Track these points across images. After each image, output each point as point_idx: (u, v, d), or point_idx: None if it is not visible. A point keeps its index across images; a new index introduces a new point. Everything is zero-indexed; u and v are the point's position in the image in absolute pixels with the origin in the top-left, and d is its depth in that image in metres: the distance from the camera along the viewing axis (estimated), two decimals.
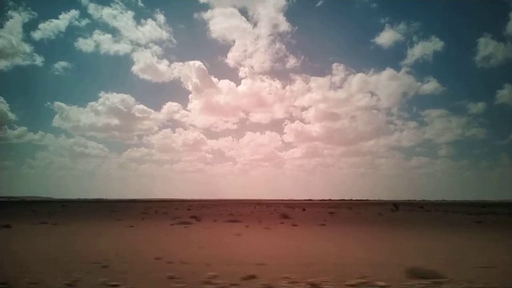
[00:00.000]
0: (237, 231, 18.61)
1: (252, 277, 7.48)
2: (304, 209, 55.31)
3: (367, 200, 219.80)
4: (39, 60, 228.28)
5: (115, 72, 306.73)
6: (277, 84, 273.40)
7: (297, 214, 39.94)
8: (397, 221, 30.20)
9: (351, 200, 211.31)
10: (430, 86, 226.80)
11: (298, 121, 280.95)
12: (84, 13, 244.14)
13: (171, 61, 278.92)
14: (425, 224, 26.94)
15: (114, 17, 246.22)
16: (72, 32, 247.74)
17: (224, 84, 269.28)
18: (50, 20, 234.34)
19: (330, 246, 13.63)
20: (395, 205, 64.91)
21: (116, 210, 49.63)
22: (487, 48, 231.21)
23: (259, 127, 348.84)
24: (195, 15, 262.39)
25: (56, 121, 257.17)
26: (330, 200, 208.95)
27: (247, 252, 11.64)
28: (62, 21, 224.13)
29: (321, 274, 7.71)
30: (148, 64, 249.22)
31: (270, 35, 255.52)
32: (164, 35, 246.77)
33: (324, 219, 30.34)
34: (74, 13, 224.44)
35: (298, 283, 7.03)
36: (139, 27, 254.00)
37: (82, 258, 9.78)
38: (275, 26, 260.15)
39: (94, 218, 31.62)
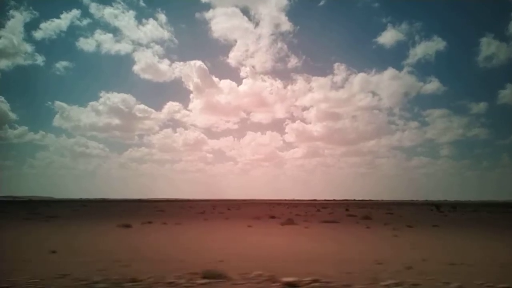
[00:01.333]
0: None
1: None
2: (347, 209, 54.98)
3: (382, 200, 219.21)
4: (40, 60, 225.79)
5: (116, 71, 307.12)
6: (278, 83, 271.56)
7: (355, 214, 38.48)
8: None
9: (364, 200, 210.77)
10: (432, 86, 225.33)
11: (299, 121, 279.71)
12: (85, 13, 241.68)
13: (172, 61, 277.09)
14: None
15: (116, 16, 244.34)
16: (73, 31, 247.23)
17: (225, 84, 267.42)
18: (52, 19, 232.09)
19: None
20: (437, 206, 62.79)
21: (164, 210, 48.52)
22: (489, 48, 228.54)
23: (260, 127, 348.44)
24: (197, 15, 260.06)
25: (57, 121, 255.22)
26: (345, 200, 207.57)
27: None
28: (64, 21, 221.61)
29: None
30: (149, 63, 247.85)
31: (272, 34, 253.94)
32: (166, 34, 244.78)
33: (412, 220, 28.60)
34: (75, 12, 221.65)
35: None
36: (140, 26, 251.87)
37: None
38: (277, 25, 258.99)
39: (183, 218, 30.69)
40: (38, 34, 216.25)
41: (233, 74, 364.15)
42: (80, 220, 28.24)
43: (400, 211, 52.01)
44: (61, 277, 7.03)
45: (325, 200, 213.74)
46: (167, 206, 73.01)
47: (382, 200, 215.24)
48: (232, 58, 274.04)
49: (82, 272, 7.42)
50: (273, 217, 31.80)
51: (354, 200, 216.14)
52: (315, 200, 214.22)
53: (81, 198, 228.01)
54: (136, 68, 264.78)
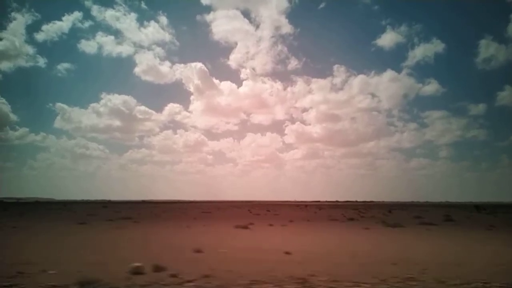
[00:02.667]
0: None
1: None
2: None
3: (382, 201, 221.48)
4: (42, 62, 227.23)
5: (117, 73, 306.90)
6: (278, 85, 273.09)
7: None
8: None
9: (366, 201, 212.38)
10: (431, 87, 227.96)
11: (298, 122, 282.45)
12: (87, 15, 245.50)
13: (173, 63, 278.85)
14: None
15: (117, 19, 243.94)
16: (75, 33, 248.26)
17: (226, 85, 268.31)
18: (53, 21, 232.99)
19: None
20: (477, 207, 62.61)
21: (210, 212, 49.04)
22: (488, 50, 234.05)
23: (260, 129, 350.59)
24: (198, 17, 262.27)
25: (58, 123, 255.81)
26: (356, 201, 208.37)
27: None
28: (65, 23, 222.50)
29: None
30: (150, 65, 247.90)
31: (272, 37, 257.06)
32: (167, 37, 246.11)
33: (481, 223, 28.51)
34: (77, 15, 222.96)
35: None
36: (141, 29, 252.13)
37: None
38: (277, 28, 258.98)
39: (261, 220, 31.32)
40: (39, 36, 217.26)
41: (234, 76, 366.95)
42: (166, 222, 29.00)
43: (436, 213, 50.64)
44: None
45: (328, 201, 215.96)
46: (192, 207, 73.94)
47: (383, 202, 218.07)
48: (233, 60, 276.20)
49: None
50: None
51: (356, 201, 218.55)
52: (318, 201, 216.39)
53: (82, 200, 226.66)
54: (137, 70, 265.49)
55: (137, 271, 8.33)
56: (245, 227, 22.02)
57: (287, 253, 11.29)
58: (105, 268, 8.72)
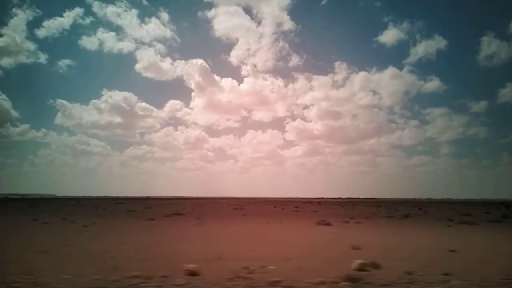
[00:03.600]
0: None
1: None
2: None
3: (385, 198, 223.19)
4: (43, 58, 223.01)
5: (118, 70, 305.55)
6: (279, 82, 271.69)
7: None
8: None
9: (367, 198, 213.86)
10: (433, 84, 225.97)
11: (299, 119, 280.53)
12: (88, 11, 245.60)
13: (174, 59, 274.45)
14: None
15: (118, 15, 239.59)
16: (76, 30, 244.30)
17: (227, 82, 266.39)
18: (54, 18, 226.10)
19: None
20: (506, 205, 63.11)
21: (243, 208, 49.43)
22: (490, 47, 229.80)
23: (261, 125, 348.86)
24: (199, 14, 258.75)
25: (59, 119, 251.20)
26: (369, 198, 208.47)
27: None
28: (67, 19, 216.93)
29: None
30: (151, 62, 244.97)
31: (274, 33, 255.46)
32: (168, 33, 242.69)
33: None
34: (78, 11, 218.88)
35: None
36: (143, 25, 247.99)
37: None
38: (279, 24, 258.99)
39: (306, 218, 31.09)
40: (40, 33, 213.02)
41: (235, 73, 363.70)
42: (231, 219, 29.39)
43: (464, 211, 51.48)
44: None
45: (331, 197, 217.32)
46: (210, 203, 74.27)
47: (386, 199, 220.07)
48: (234, 56, 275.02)
49: None
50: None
51: (358, 198, 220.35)
52: (321, 198, 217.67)
53: (84, 196, 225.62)
54: (138, 66, 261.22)
55: (361, 268, 8.77)
56: (327, 224, 22.44)
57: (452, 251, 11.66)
58: (330, 266, 9.09)
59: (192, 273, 8.21)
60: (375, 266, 9.00)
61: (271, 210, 48.37)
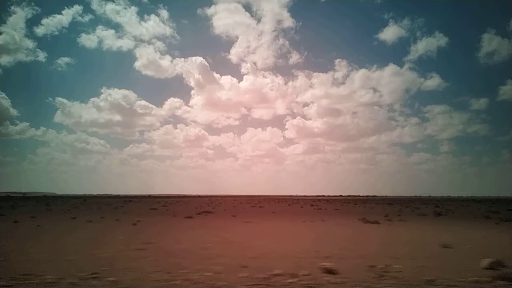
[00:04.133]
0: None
1: None
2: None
3: (385, 196, 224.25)
4: (42, 56, 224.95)
5: (117, 68, 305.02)
6: (279, 80, 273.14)
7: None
8: None
9: (368, 196, 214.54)
10: (433, 82, 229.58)
11: (299, 117, 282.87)
12: (87, 9, 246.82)
13: (173, 57, 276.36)
14: None
15: (118, 12, 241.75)
16: (75, 27, 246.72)
17: (226, 80, 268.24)
18: (53, 15, 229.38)
19: None
20: None
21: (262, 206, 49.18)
22: (490, 44, 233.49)
23: (260, 123, 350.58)
24: (199, 11, 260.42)
25: (58, 117, 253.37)
26: (370, 196, 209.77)
27: None
28: (65, 17, 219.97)
29: None
30: (150, 60, 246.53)
31: (274, 31, 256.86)
32: (167, 31, 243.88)
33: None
34: (77, 8, 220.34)
35: None
36: (142, 22, 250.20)
37: None
38: (279, 22, 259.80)
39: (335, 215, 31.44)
40: (39, 30, 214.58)
41: (234, 71, 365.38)
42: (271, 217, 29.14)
43: (483, 208, 51.30)
44: None
45: (331, 195, 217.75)
46: (218, 201, 74.00)
47: (386, 196, 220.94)
48: (234, 54, 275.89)
49: None
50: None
51: (359, 196, 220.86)
52: (322, 196, 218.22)
53: (84, 194, 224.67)
54: (137, 64, 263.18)
55: (491, 267, 8.56)
56: (376, 222, 22.32)
57: None
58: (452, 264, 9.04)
59: (330, 271, 8.06)
60: (500, 264, 8.88)
61: (291, 208, 48.17)
